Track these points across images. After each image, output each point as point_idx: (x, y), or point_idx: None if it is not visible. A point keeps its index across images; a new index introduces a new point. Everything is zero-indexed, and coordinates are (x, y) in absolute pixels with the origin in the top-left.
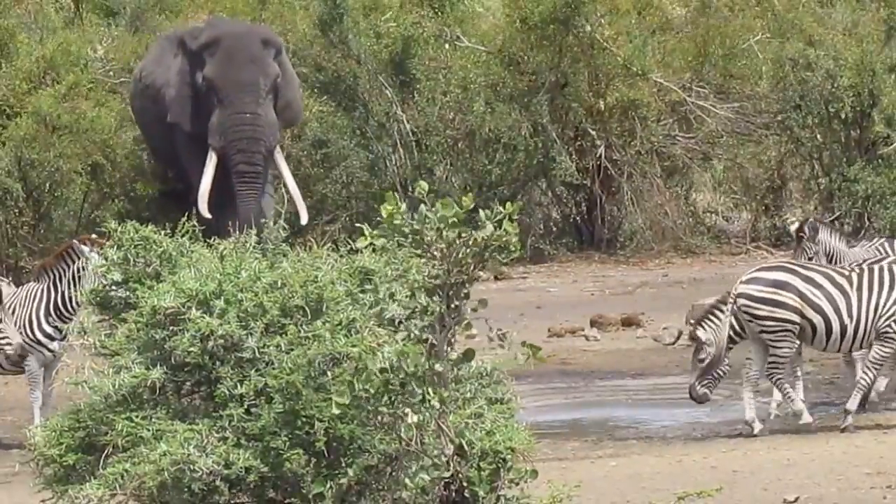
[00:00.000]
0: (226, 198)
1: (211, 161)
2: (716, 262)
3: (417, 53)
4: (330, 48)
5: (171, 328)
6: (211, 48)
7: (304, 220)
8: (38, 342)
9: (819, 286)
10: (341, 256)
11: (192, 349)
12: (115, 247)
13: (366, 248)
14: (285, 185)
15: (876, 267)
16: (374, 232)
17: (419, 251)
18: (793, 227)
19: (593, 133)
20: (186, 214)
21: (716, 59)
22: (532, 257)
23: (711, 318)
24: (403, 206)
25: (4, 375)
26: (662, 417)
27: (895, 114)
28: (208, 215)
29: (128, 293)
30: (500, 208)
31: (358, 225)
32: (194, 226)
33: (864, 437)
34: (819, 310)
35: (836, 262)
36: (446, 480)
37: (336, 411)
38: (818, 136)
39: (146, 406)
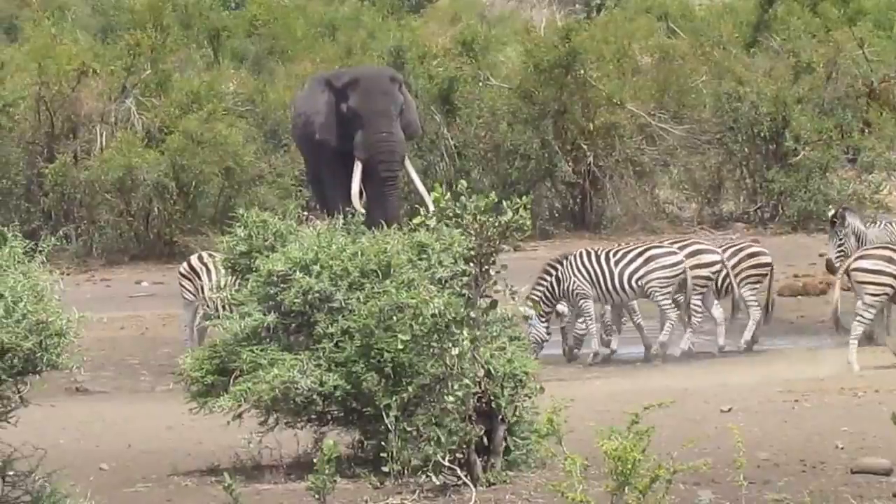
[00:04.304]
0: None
1: (357, 168)
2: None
3: (459, 89)
4: None
5: (281, 286)
6: (353, 85)
7: (431, 209)
8: None
9: None
10: (404, 234)
11: (296, 301)
12: (242, 226)
13: (419, 225)
14: (413, 183)
15: None
16: (429, 214)
17: (460, 230)
18: (829, 214)
19: (585, 147)
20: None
21: (672, 93)
22: (540, 235)
23: (540, 281)
24: (448, 195)
25: (161, 317)
26: (633, 351)
27: (801, 133)
28: (361, 210)
29: (250, 261)
30: (518, 200)
31: (417, 206)
32: (299, 213)
33: (778, 366)
34: None
35: (862, 243)
36: (478, 395)
37: (400, 346)
38: (746, 150)
39: (263, 342)
